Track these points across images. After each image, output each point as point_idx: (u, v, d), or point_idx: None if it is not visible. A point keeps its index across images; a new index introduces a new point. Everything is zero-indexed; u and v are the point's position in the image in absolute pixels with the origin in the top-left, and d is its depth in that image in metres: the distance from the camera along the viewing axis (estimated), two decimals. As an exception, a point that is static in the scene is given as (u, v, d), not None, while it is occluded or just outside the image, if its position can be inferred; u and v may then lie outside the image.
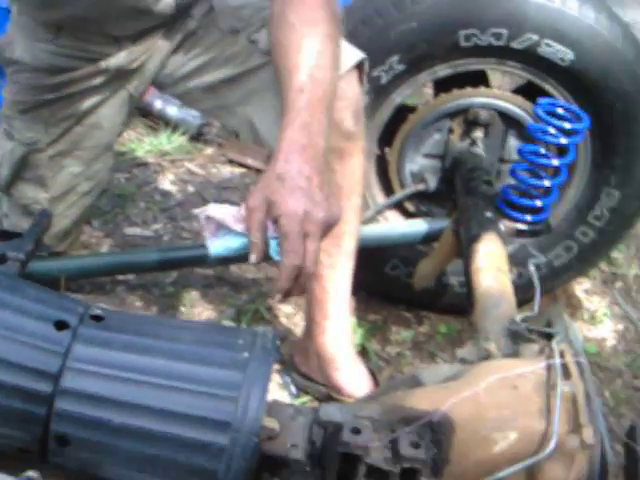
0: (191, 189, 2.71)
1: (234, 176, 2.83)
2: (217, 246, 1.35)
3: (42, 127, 1.85)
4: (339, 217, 1.30)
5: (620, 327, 2.43)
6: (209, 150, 2.96)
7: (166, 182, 2.72)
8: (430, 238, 2.08)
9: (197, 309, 2.13)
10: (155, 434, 1.17)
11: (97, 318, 1.24)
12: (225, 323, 2.05)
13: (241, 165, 2.89)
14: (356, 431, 1.24)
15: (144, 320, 1.33)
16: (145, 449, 1.17)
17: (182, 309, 2.13)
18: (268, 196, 1.25)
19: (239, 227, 1.31)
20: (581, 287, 2.51)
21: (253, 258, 1.26)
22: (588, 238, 2.22)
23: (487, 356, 1.42)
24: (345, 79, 1.61)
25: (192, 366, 1.21)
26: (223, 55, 1.77)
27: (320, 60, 1.39)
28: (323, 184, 1.29)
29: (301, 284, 1.28)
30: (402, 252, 2.17)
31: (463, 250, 1.82)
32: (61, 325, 1.21)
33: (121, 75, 1.81)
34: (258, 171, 2.85)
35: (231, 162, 2.91)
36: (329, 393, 1.85)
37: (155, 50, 1.79)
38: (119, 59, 1.78)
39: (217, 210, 1.35)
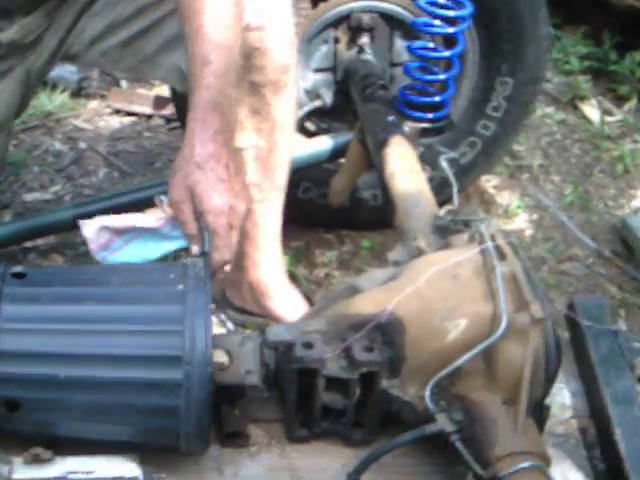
0: (83, 145, 2.62)
1: (124, 126, 2.75)
2: (126, 255, 1.32)
3: None
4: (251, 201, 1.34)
5: (535, 217, 2.48)
6: (93, 103, 2.87)
7: (56, 143, 2.62)
8: (337, 154, 2.06)
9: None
10: (105, 381, 1.13)
11: (19, 275, 1.18)
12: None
13: (129, 114, 2.82)
14: (308, 345, 1.24)
15: (68, 271, 1.29)
16: (98, 398, 1.14)
17: (99, 265, 2.07)
18: (190, 187, 1.25)
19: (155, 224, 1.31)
20: (490, 184, 2.56)
21: (195, 249, 1.26)
22: (490, 131, 2.24)
23: (419, 253, 1.42)
24: (275, 6, 1.57)
25: (128, 307, 1.18)
26: (132, 7, 1.68)
27: (224, 19, 1.35)
28: (237, 168, 1.30)
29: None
30: (311, 174, 2.15)
31: (373, 158, 1.81)
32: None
33: (15, 51, 1.69)
34: (148, 117, 2.78)
35: (118, 112, 2.82)
36: (267, 323, 1.84)
37: (53, 20, 1.66)
38: (10, 33, 1.66)
39: (114, 220, 1.33)
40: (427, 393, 1.20)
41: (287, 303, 1.84)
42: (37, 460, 1.16)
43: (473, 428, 1.19)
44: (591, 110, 3.00)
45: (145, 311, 1.17)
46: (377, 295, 1.29)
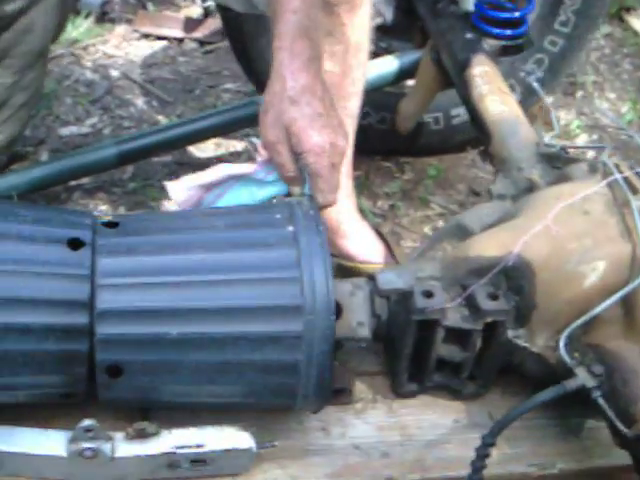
0: (115, 73, 2.45)
1: (156, 51, 2.58)
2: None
3: None
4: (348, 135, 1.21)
5: (595, 136, 2.35)
6: (119, 28, 2.69)
7: (86, 72, 2.45)
8: (403, 75, 1.91)
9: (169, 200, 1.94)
10: (220, 337, 1.00)
11: (111, 225, 1.05)
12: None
13: (159, 38, 2.64)
14: (428, 294, 1.12)
15: (163, 217, 1.15)
16: (213, 357, 1.01)
17: (152, 203, 1.93)
18: (286, 125, 1.12)
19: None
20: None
21: (297, 192, 1.15)
22: (557, 47, 2.10)
23: (531, 186, 1.29)
24: None
25: (238, 253, 1.04)
26: None
27: None
28: (331, 99, 1.17)
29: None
30: (370, 98, 2.00)
31: (453, 79, 1.67)
32: (75, 243, 1.02)
33: None
34: (179, 41, 2.62)
35: (147, 37, 2.65)
36: (340, 263, 1.72)
37: None
38: None
39: (202, 176, 1.18)
40: (562, 344, 1.08)
41: (361, 241, 1.72)
42: (141, 435, 1.04)
43: (612, 381, 1.08)
44: (638, 22, 2.86)
45: (256, 257, 1.03)
46: (500, 235, 1.16)
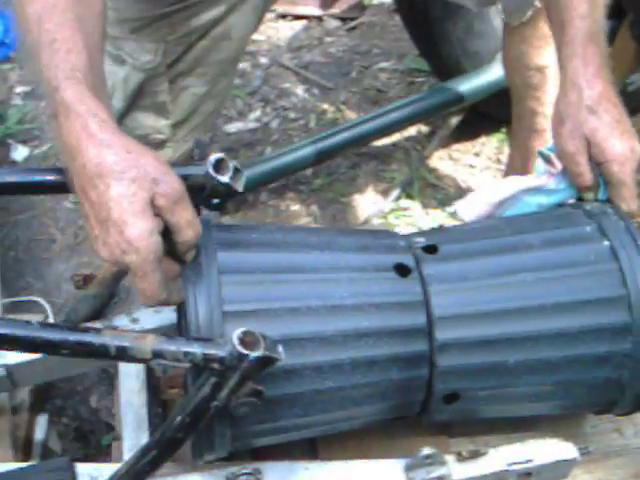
0: (264, 60, 2.43)
1: (298, 32, 2.55)
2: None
3: (161, 47, 1.54)
4: None
5: None
6: (254, 11, 2.66)
7: (236, 60, 2.44)
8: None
9: (360, 195, 1.94)
10: (555, 361, 1.01)
11: (431, 249, 1.05)
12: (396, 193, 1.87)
13: (296, 17, 2.61)
14: None
15: (478, 236, 1.13)
16: (546, 379, 1.02)
17: (343, 199, 1.93)
18: (587, 136, 1.11)
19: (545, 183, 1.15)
20: None
21: (592, 196, 1.13)
22: None
23: None
24: None
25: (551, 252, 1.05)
26: None
27: None
28: (622, 104, 1.14)
29: None
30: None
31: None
32: (402, 269, 1.02)
33: None
34: (319, 19, 2.58)
35: (284, 17, 2.62)
36: None
37: None
38: None
39: (491, 193, 1.16)
40: None
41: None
42: (475, 455, 1.06)
43: None
44: None
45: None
46: None
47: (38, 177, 1.03)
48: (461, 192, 1.92)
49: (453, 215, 1.16)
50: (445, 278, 1.01)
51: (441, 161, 2.02)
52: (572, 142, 1.11)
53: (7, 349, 0.87)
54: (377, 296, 0.98)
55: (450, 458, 1.06)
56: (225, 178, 0.97)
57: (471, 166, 2.01)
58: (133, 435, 1.10)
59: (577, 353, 1.01)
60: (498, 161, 2.02)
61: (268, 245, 1.00)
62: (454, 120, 1.99)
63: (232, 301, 0.93)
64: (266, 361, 0.86)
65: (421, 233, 1.10)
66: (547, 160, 1.14)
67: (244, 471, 1.04)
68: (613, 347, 1.02)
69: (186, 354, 0.85)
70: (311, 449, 1.14)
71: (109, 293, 1.21)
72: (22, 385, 1.24)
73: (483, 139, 2.07)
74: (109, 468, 1.05)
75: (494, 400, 1.04)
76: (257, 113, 2.23)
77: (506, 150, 2.01)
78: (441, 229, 1.16)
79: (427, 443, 1.11)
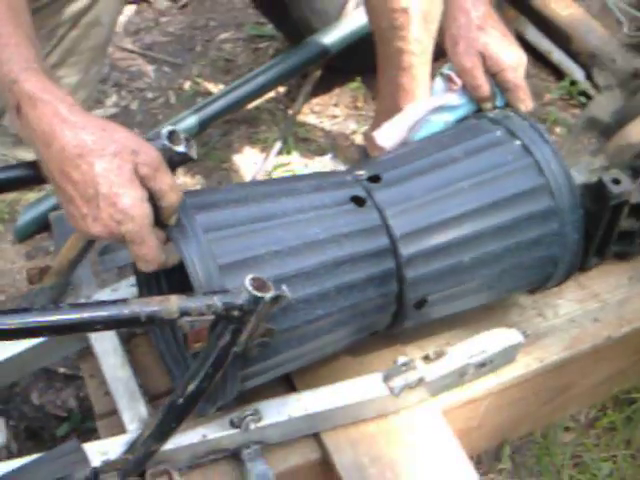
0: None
1: (131, 17, 2.54)
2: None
3: None
4: None
5: None
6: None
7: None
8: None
9: (240, 158, 2.01)
10: (502, 251, 1.17)
11: (374, 179, 1.16)
12: (275, 150, 1.97)
13: (126, 3, 2.61)
14: (616, 182, 1.29)
15: (420, 155, 1.24)
16: (494, 269, 1.17)
17: (224, 165, 2.00)
18: (481, 50, 1.25)
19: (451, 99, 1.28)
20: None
21: (490, 105, 1.28)
22: None
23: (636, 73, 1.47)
24: None
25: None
26: None
27: None
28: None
29: None
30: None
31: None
32: (358, 200, 1.13)
33: None
34: (147, 2, 2.60)
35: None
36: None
37: None
38: None
39: (404, 118, 1.28)
40: None
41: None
42: (439, 355, 1.19)
43: None
44: None
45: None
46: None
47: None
48: (331, 141, 2.04)
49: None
50: (395, 201, 1.13)
51: (305, 116, 2.13)
52: (468, 58, 1.25)
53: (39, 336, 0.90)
54: (344, 227, 1.09)
55: (419, 362, 1.20)
56: (181, 148, 1.04)
57: (334, 116, 2.13)
58: (131, 405, 1.15)
59: (515, 241, 1.17)
60: (356, 108, 2.15)
61: (236, 201, 1.08)
62: (315, 75, 2.10)
63: (222, 255, 1.01)
64: (278, 300, 0.95)
65: (358, 167, 1.21)
66: (447, 79, 1.28)
67: (247, 413, 1.12)
68: (543, 229, 1.18)
69: (208, 307, 0.92)
70: (290, 387, 1.23)
71: (66, 282, 1.24)
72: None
73: (337, 90, 2.20)
74: (113, 442, 1.11)
75: (454, 297, 1.18)
76: (114, 98, 2.24)
77: (361, 97, 2.15)
78: (372, 160, 1.27)
79: (387, 356, 1.25)
